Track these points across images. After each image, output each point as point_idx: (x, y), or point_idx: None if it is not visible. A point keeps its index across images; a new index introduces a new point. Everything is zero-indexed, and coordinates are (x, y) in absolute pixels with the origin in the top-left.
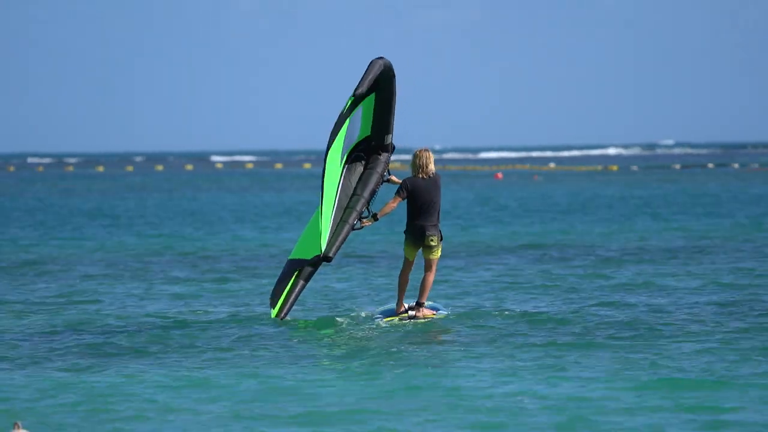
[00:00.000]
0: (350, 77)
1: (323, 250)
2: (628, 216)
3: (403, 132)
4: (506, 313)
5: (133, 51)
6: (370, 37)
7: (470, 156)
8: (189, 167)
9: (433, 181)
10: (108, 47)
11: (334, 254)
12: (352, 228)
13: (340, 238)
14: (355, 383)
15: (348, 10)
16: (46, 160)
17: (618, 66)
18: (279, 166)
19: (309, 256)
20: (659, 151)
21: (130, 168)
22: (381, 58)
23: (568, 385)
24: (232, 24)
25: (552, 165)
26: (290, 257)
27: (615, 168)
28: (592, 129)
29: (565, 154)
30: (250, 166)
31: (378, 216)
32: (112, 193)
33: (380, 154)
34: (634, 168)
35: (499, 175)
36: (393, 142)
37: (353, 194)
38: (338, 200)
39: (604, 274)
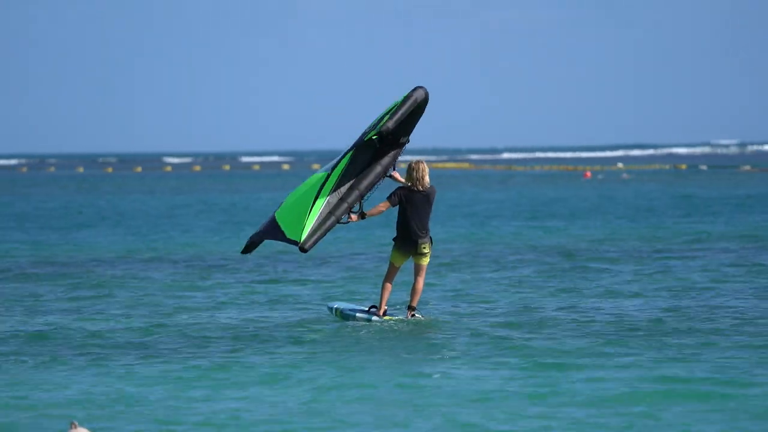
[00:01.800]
0: (351, 77)
1: (302, 240)
2: None
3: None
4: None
5: (133, 51)
6: (371, 38)
7: (490, 156)
8: (109, 170)
9: (427, 195)
10: (108, 47)
11: (311, 247)
12: (338, 221)
13: (323, 230)
14: (348, 385)
15: (350, 11)
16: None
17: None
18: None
19: (288, 234)
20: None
21: (80, 169)
22: (417, 89)
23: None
24: (234, 23)
25: (620, 165)
26: (276, 215)
27: (684, 167)
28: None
29: (595, 154)
30: (197, 168)
31: (366, 215)
32: None
33: (392, 149)
34: (703, 167)
35: (588, 174)
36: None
37: (351, 185)
38: (336, 186)
39: None
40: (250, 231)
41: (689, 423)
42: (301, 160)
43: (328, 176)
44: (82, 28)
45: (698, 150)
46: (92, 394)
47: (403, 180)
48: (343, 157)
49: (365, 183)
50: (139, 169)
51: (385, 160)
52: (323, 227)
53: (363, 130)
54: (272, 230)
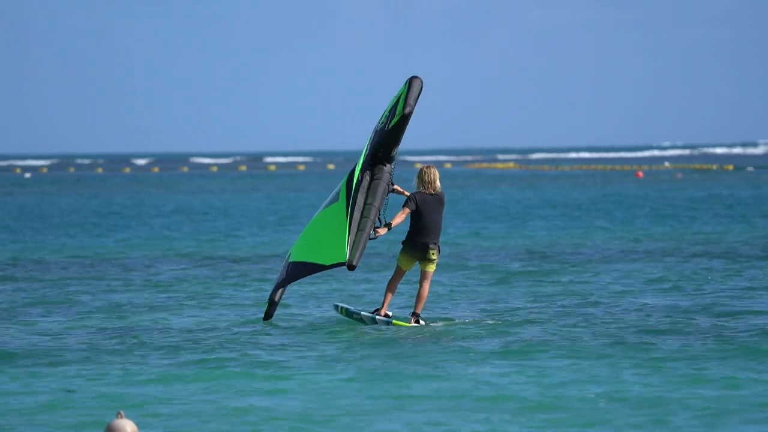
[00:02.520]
0: (381, 77)
1: (348, 258)
2: None
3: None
4: None
5: (144, 52)
6: (399, 38)
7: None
8: (155, 170)
9: (439, 198)
10: (112, 48)
11: (357, 262)
12: (368, 236)
13: (361, 246)
14: (356, 386)
15: (382, 11)
16: None
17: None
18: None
19: (327, 262)
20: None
21: (126, 170)
22: (416, 77)
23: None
24: (240, 24)
25: (667, 164)
26: (292, 260)
27: (731, 167)
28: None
29: (612, 155)
30: (243, 167)
31: (391, 226)
32: None
33: (384, 165)
34: (750, 169)
35: (640, 174)
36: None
37: (365, 203)
38: (353, 208)
39: None
40: None
41: (704, 424)
42: (323, 162)
43: (348, 201)
44: (86, 29)
45: (735, 150)
46: (125, 391)
47: (407, 193)
48: (346, 185)
49: (378, 197)
50: (186, 168)
51: (384, 177)
52: (359, 243)
53: (374, 127)
54: (300, 271)
